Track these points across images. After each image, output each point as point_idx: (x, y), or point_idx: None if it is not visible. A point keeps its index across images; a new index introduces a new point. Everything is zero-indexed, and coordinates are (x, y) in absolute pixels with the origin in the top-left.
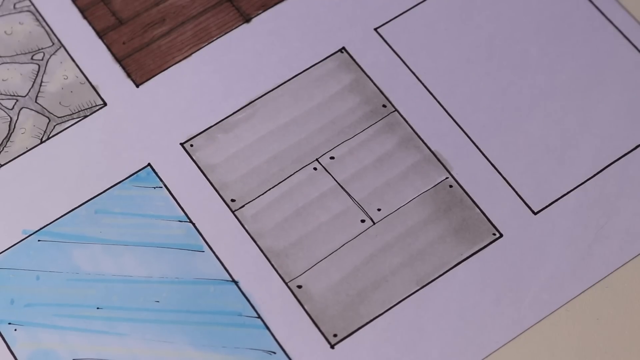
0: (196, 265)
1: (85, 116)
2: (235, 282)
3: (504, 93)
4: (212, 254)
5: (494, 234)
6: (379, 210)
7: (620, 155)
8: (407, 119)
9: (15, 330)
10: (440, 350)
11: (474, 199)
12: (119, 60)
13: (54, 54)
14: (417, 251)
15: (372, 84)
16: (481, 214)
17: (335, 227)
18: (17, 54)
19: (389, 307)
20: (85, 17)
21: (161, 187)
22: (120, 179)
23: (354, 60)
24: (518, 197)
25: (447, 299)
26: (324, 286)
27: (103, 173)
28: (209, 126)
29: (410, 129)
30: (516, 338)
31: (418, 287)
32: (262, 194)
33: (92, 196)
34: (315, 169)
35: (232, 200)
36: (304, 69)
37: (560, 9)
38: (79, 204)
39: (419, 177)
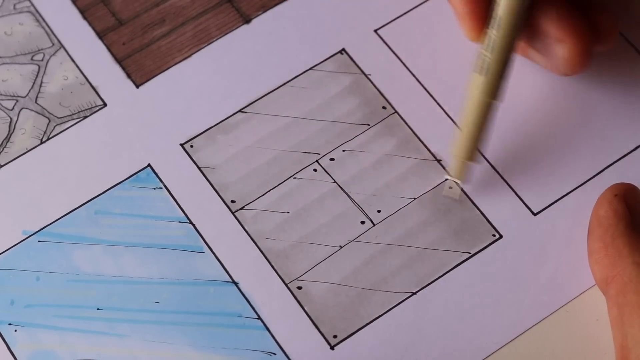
0: (196, 266)
1: (85, 117)
2: (235, 283)
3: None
4: (212, 255)
5: (494, 235)
6: (378, 211)
7: (620, 156)
8: (406, 121)
9: (15, 331)
10: (440, 352)
11: (474, 200)
12: (119, 60)
13: (54, 54)
14: (417, 252)
15: (371, 85)
16: (481, 215)
17: (335, 228)
18: (17, 55)
19: (389, 308)
20: (85, 18)
21: (161, 188)
22: (120, 180)
23: (353, 61)
24: (518, 198)
25: (446, 300)
26: (324, 287)
27: (103, 174)
28: (209, 127)
29: (410, 130)
30: (516, 339)
31: (418, 289)
32: (262, 195)
33: (92, 197)
34: (315, 170)
35: (232, 202)
36: (304, 70)
37: None
38: (79, 204)
39: (419, 178)
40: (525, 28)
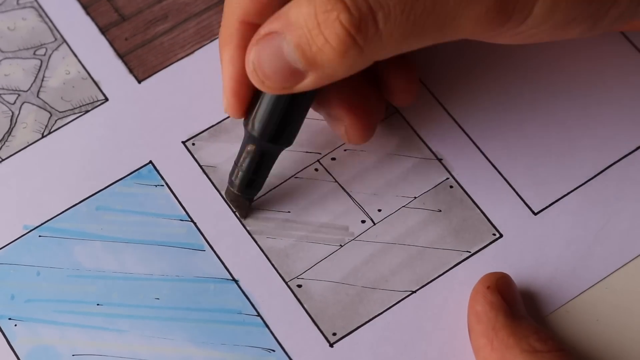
0: (197, 264)
1: (87, 111)
2: (236, 281)
3: (505, 93)
4: (213, 253)
5: (494, 234)
6: (379, 210)
7: (621, 156)
8: (408, 120)
9: (16, 325)
10: (438, 350)
11: (474, 200)
12: (121, 56)
13: (56, 49)
14: (417, 251)
15: None
16: (481, 214)
17: (336, 227)
18: (20, 49)
19: (389, 306)
20: (88, 13)
21: (162, 185)
22: (122, 176)
23: None
24: (518, 198)
25: (446, 299)
26: (323, 285)
27: (104, 169)
28: (211, 125)
29: (411, 129)
30: None
31: (418, 287)
32: (264, 194)
33: (93, 192)
34: (316, 169)
35: None
36: None
37: None
38: (80, 200)
39: (420, 177)
40: (313, 105)
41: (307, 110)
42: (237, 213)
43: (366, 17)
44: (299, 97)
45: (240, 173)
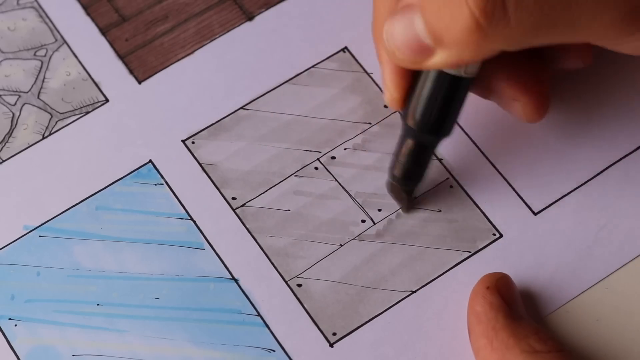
0: (196, 263)
1: (87, 112)
2: (236, 280)
3: None
4: (213, 252)
5: (494, 234)
6: (379, 210)
7: (621, 156)
8: None
9: (16, 325)
10: (438, 350)
11: (474, 200)
12: (121, 57)
13: (56, 50)
14: (417, 251)
15: (373, 84)
16: (481, 214)
17: (336, 226)
18: (20, 50)
19: (389, 306)
20: (88, 14)
21: (162, 184)
22: (122, 176)
23: (355, 60)
24: (518, 198)
25: (446, 299)
26: (324, 285)
27: (104, 169)
28: (210, 123)
29: None
30: None
31: (417, 287)
32: (263, 192)
33: (93, 192)
34: (316, 168)
35: (233, 198)
36: (306, 68)
37: None
38: (80, 200)
39: None
40: (479, 89)
41: (464, 100)
42: (400, 206)
43: (495, 1)
44: (454, 86)
45: (399, 165)
